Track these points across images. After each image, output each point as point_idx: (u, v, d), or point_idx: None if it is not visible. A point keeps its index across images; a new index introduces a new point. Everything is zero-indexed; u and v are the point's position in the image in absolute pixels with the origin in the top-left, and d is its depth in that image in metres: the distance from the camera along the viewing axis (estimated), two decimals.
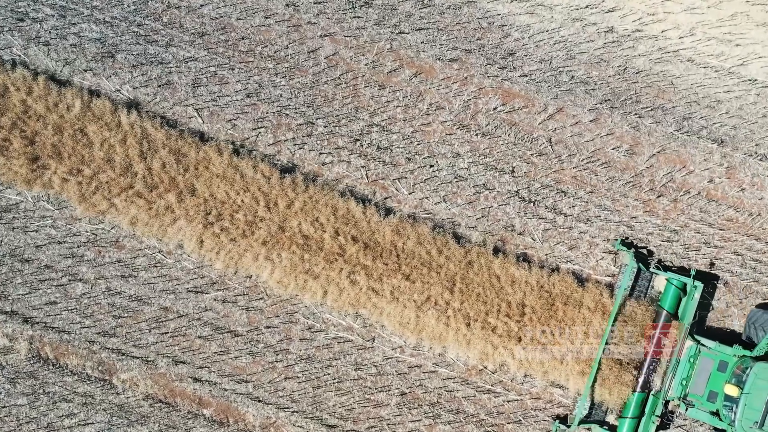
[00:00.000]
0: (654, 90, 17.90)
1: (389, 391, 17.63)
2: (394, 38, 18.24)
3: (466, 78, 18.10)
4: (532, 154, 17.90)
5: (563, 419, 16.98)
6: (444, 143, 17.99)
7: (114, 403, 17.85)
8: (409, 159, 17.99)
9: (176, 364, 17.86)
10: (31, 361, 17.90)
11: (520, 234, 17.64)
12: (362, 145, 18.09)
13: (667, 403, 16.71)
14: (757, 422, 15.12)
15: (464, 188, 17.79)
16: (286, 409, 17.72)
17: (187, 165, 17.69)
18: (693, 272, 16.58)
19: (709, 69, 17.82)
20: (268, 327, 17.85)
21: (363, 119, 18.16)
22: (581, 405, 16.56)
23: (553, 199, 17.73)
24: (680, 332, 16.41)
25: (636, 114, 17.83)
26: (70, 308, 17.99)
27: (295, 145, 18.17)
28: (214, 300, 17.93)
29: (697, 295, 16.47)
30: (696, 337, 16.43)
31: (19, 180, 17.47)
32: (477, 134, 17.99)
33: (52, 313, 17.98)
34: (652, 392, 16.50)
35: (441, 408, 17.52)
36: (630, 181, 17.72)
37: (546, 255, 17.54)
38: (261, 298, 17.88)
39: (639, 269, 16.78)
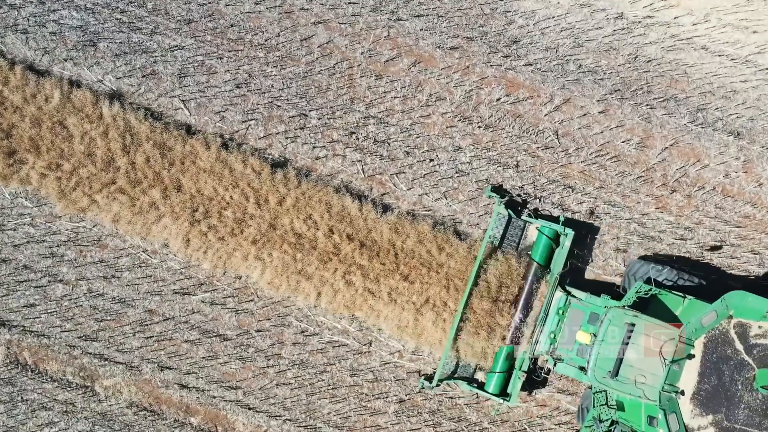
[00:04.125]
0: (666, 79, 17.02)
1: (387, 398, 16.82)
2: (392, 25, 17.37)
3: (467, 67, 17.22)
4: (537, 148, 17.02)
5: (430, 377, 16.04)
6: (444, 136, 17.13)
7: (96, 411, 17.08)
8: (407, 153, 17.14)
9: (162, 370, 17.07)
10: (9, 367, 17.16)
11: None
12: (358, 139, 17.25)
13: (537, 358, 15.65)
14: (610, 371, 13.97)
15: (466, 184, 16.94)
16: (278, 417, 16.92)
17: (172, 159, 16.94)
18: (562, 219, 15.81)
19: (724, 57, 16.94)
20: (258, 330, 17.04)
21: (359, 111, 17.29)
22: (443, 361, 15.69)
23: (559, 194, 16.86)
24: (549, 283, 15.50)
25: (647, 105, 16.95)
26: (49, 311, 17.23)
27: (287, 138, 17.32)
28: (202, 302, 17.13)
29: (567, 244, 15.58)
30: (567, 288, 15.43)
31: None
32: (479, 126, 17.12)
33: (31, 316, 17.23)
34: (521, 346, 15.62)
35: (442, 416, 16.70)
36: (641, 176, 16.84)
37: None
38: (251, 300, 17.08)
39: (510, 217, 16.06)
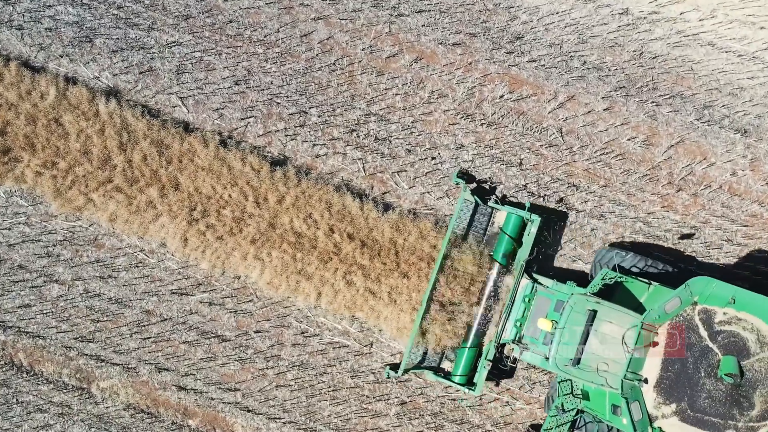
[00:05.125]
0: (672, 76, 16.73)
1: (388, 400, 16.53)
2: (393, 21, 17.08)
3: (470, 64, 16.93)
4: (541, 146, 16.73)
5: (395, 366, 15.75)
6: (447, 134, 16.84)
7: (93, 414, 16.78)
8: (409, 151, 16.85)
9: (159, 372, 16.77)
10: (4, 369, 16.86)
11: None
12: (359, 136, 16.96)
13: (504, 346, 15.32)
14: (572, 359, 13.63)
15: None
16: (278, 420, 16.63)
17: (170, 157, 16.65)
18: (528, 204, 15.53)
19: (731, 53, 16.66)
20: (258, 331, 16.74)
21: (360, 108, 17.00)
22: (408, 350, 15.38)
23: (564, 193, 16.58)
24: (515, 270, 15.19)
25: (653, 102, 16.66)
26: (45, 311, 16.91)
27: (286, 135, 17.02)
28: (200, 302, 16.82)
29: (533, 230, 15.23)
30: (533, 275, 15.12)
31: None
32: (482, 124, 16.83)
33: (26, 317, 16.92)
34: (488, 336, 15.31)
35: (444, 418, 16.42)
36: (647, 174, 16.56)
37: (557, 253, 16.37)
38: (250, 301, 16.77)
39: (476, 203, 15.78)
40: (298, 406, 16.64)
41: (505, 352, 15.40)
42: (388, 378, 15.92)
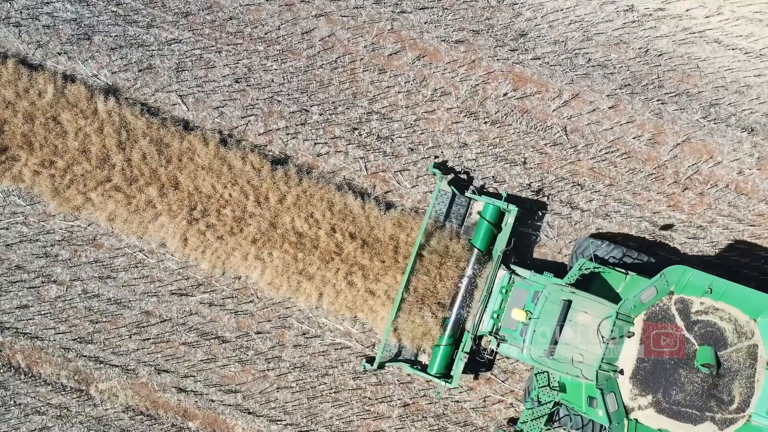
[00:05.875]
0: (678, 74, 16.53)
1: (391, 401, 16.32)
2: (396, 18, 16.86)
3: (473, 61, 16.72)
4: (545, 144, 16.52)
5: (372, 359, 15.57)
6: (450, 132, 16.63)
7: (91, 416, 16.56)
8: (411, 149, 16.65)
9: (159, 373, 16.56)
10: (1, 370, 16.64)
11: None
12: (361, 135, 16.74)
13: (481, 339, 15.08)
14: (546, 350, 13.42)
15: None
16: (279, 422, 16.42)
17: (169, 156, 16.43)
18: (504, 195, 15.34)
19: (737, 51, 16.45)
20: (258, 332, 16.53)
21: (362, 106, 16.78)
22: (383, 342, 15.22)
23: (568, 192, 16.36)
24: (493, 261, 14.97)
25: (659, 100, 16.45)
26: (43, 312, 16.69)
27: (287, 134, 16.80)
28: (200, 303, 16.60)
29: (510, 220, 15.03)
30: (511, 266, 14.88)
31: None
32: (486, 122, 16.62)
33: (24, 318, 16.70)
34: (465, 328, 15.13)
35: (447, 420, 16.21)
36: (652, 173, 16.35)
37: (561, 253, 16.17)
38: (251, 301, 16.55)
39: (453, 194, 15.61)
40: (300, 408, 16.43)
41: (483, 344, 15.18)
42: (365, 371, 15.74)
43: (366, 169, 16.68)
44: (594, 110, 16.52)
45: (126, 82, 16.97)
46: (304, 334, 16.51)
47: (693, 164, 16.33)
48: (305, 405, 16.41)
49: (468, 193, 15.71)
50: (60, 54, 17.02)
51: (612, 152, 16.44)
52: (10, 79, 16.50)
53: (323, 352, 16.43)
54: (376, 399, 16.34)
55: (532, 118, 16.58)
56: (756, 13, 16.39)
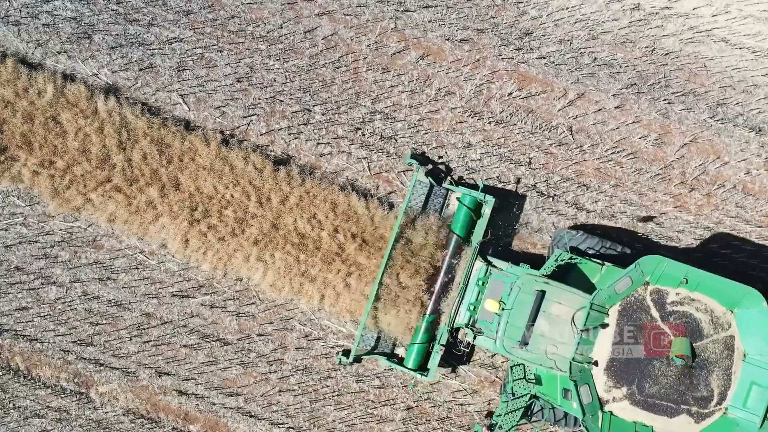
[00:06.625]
0: (685, 73, 16.34)
1: (394, 405, 16.14)
2: (399, 17, 16.68)
3: (478, 60, 16.53)
4: (550, 144, 16.34)
5: (348, 352, 15.46)
6: (454, 132, 16.44)
7: (91, 419, 16.40)
8: (415, 149, 16.46)
9: (160, 376, 16.38)
10: (0, 373, 16.45)
11: (536, 231, 16.07)
12: (364, 135, 16.56)
13: (458, 331, 14.89)
14: (519, 341, 13.24)
15: (476, 181, 16.25)
16: (281, 425, 16.24)
17: (170, 156, 16.24)
18: (481, 185, 15.24)
19: (745, 50, 16.27)
20: (260, 335, 16.34)
21: (365, 106, 16.60)
22: (359, 335, 15.10)
23: (574, 193, 16.18)
24: (469, 253, 14.79)
25: (665, 100, 16.27)
26: (42, 314, 16.51)
27: (290, 134, 16.61)
28: (202, 305, 16.42)
29: (487, 211, 14.90)
30: (488, 258, 14.70)
31: None
32: (490, 122, 16.44)
33: (23, 320, 16.52)
34: (441, 320, 14.98)
35: (451, 423, 16.03)
36: (659, 174, 16.17)
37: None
38: (253, 303, 16.38)
39: (431, 185, 15.48)
40: (302, 411, 16.25)
41: (460, 337, 15.00)
42: (340, 364, 15.60)
43: (369, 170, 16.50)
44: (600, 110, 16.33)
45: (126, 82, 16.79)
46: (306, 336, 16.33)
47: (700, 164, 16.14)
48: (308, 408, 16.23)
49: (445, 184, 15.58)
50: (60, 53, 16.84)
51: (618, 152, 16.26)
52: (9, 79, 16.32)
53: (326, 354, 16.25)
54: (379, 402, 16.16)
55: (537, 117, 16.40)
56: (764, 12, 16.21)
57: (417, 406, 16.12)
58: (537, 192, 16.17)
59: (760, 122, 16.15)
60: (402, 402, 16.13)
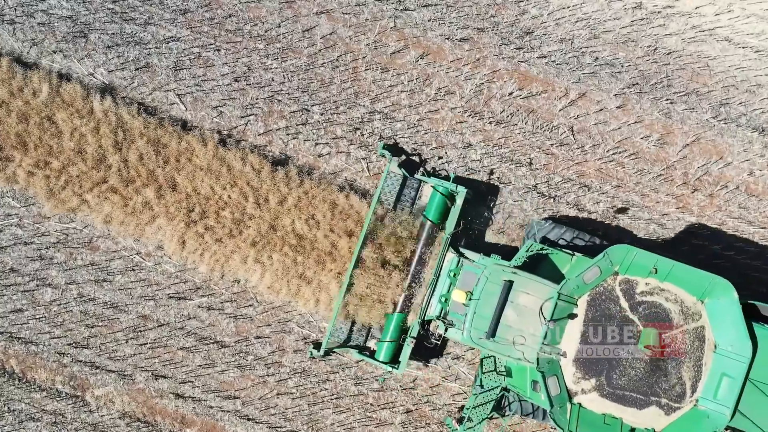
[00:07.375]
0: (687, 73, 16.17)
1: (393, 408, 15.96)
2: (398, 15, 16.50)
3: (478, 60, 16.35)
4: (551, 144, 16.16)
5: (318, 344, 15.32)
6: (454, 132, 16.27)
7: (87, 422, 16.22)
8: (415, 150, 16.28)
9: (156, 379, 16.20)
10: None
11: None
12: (363, 135, 16.38)
13: (430, 323, 14.78)
14: (486, 332, 13.07)
15: (477, 182, 16.09)
16: (279, 429, 16.07)
17: (167, 157, 16.06)
18: (452, 176, 15.13)
19: (748, 49, 16.10)
20: (258, 337, 16.16)
21: (364, 106, 16.42)
22: (330, 328, 14.98)
23: (575, 194, 16.01)
24: (441, 244, 14.66)
25: (667, 99, 16.10)
26: (38, 316, 16.33)
27: (288, 134, 16.43)
28: (199, 307, 16.24)
29: (459, 202, 14.77)
30: (460, 249, 14.56)
31: None
32: (490, 122, 16.26)
33: (18, 322, 16.34)
34: (412, 313, 14.87)
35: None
36: (661, 174, 15.99)
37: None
38: (250, 305, 16.20)
39: (404, 177, 15.36)
40: (300, 414, 16.07)
41: (431, 329, 14.85)
42: (312, 357, 15.47)
43: (368, 170, 16.32)
44: (601, 110, 16.16)
45: (123, 81, 16.60)
46: (304, 338, 16.16)
47: (702, 165, 15.98)
48: (306, 411, 16.06)
49: (418, 175, 15.44)
50: (55, 52, 16.65)
51: (620, 153, 16.08)
52: (4, 78, 16.14)
53: (324, 357, 16.07)
54: (378, 405, 15.99)
55: (538, 117, 16.22)
56: (767, 11, 16.03)
57: (416, 409, 15.95)
58: (538, 193, 16.00)
59: (763, 122, 15.98)
60: (401, 405, 15.95)
